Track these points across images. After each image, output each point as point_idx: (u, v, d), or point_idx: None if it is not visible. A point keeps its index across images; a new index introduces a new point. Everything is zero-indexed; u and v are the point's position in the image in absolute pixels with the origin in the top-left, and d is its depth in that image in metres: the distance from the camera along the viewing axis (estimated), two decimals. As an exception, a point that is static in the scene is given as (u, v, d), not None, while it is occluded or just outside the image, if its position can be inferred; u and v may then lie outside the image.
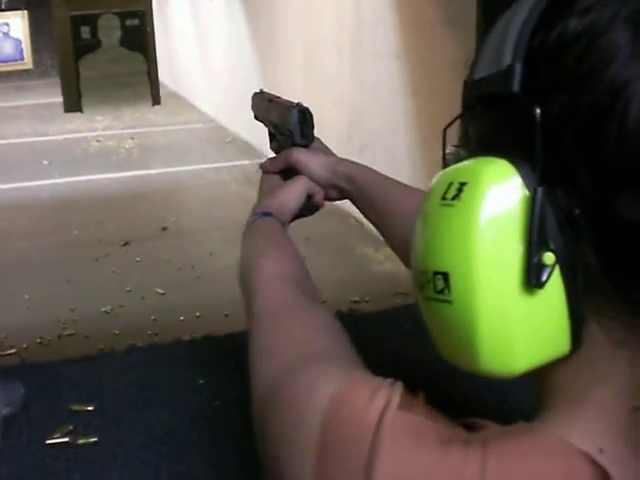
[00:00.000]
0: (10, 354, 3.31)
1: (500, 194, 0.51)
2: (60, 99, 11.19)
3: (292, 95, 1.23)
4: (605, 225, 0.50)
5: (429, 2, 4.05)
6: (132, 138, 8.82)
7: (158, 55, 11.85)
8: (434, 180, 0.57)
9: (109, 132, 9.34)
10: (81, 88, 11.13)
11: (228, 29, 8.61)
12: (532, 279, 0.50)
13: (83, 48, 11.28)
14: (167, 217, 5.45)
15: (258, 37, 7.42)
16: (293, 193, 1.11)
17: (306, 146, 1.14)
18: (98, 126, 9.79)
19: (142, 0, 11.48)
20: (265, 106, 1.20)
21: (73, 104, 11.04)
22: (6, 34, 18.29)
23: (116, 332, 3.49)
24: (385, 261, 4.27)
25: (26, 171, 7.25)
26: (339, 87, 5.39)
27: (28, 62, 18.52)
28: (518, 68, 0.52)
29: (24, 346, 3.40)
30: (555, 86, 0.51)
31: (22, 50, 18.59)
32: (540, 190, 0.50)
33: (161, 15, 12.64)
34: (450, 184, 0.54)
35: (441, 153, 0.61)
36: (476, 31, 3.29)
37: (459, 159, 0.57)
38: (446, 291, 0.53)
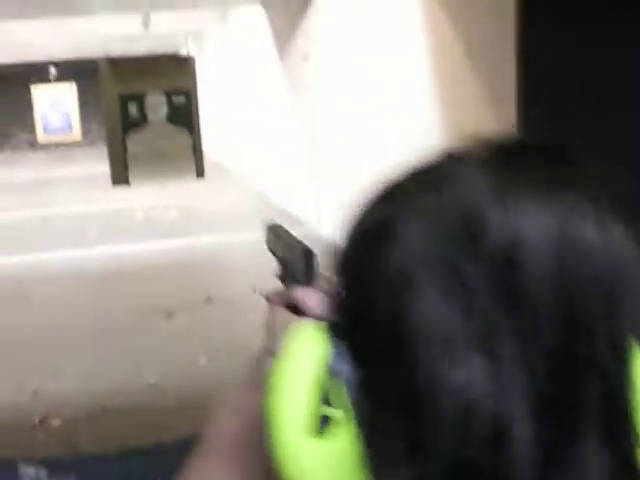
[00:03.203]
0: (55, 426, 3.32)
1: None
2: (107, 170, 11.44)
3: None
4: None
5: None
6: (177, 209, 8.94)
7: (203, 128, 12.11)
8: None
9: (154, 203, 9.48)
10: (128, 162, 11.41)
11: (277, 104, 8.74)
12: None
13: (130, 124, 11.61)
14: (211, 287, 5.47)
15: (306, 114, 7.52)
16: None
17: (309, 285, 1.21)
18: (144, 197, 9.96)
19: (188, 78, 11.84)
20: (275, 242, 1.29)
21: (121, 177, 11.31)
22: (55, 106, 18.84)
23: (163, 405, 3.47)
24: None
25: (72, 241, 7.37)
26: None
27: (76, 134, 19.04)
28: None
29: (69, 417, 3.41)
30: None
31: (70, 122, 19.12)
32: None
33: (208, 92, 12.91)
34: None
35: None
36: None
37: None
38: None
